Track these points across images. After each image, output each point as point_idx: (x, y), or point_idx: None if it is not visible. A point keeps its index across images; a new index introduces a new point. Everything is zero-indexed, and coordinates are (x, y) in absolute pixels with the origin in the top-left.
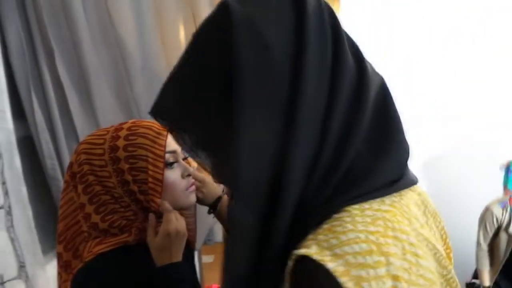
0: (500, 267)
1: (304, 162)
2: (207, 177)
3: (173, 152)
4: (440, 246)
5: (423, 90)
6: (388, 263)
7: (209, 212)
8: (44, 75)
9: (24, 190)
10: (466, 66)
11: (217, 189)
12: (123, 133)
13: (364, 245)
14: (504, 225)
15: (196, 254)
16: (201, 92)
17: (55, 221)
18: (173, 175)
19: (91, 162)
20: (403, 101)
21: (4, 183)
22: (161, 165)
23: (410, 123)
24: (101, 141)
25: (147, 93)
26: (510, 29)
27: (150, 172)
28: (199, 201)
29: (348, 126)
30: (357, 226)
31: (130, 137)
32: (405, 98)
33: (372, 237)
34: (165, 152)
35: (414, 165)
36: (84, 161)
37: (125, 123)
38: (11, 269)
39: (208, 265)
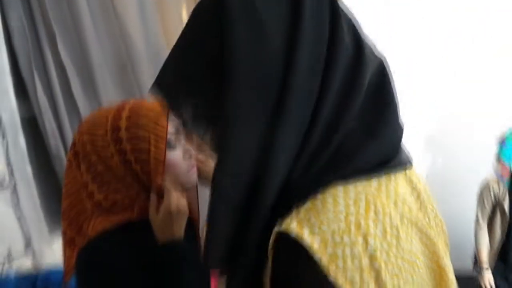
0: (499, 247)
1: (292, 142)
2: (209, 158)
3: (175, 133)
4: (432, 232)
5: (423, 90)
6: (366, 243)
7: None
8: (46, 57)
9: (28, 169)
10: (466, 66)
11: None
12: (125, 113)
13: (342, 225)
14: (500, 199)
15: None
16: (195, 65)
17: (60, 200)
18: (174, 156)
19: (94, 142)
20: (403, 101)
21: (9, 162)
22: (163, 146)
23: (410, 122)
24: (103, 121)
25: (150, 78)
26: (510, 29)
27: (152, 153)
28: (201, 181)
29: (341, 106)
30: (338, 207)
31: (132, 118)
32: (405, 98)
33: (351, 218)
34: (167, 134)
35: (414, 147)
36: (86, 141)
37: (127, 103)
38: (19, 246)
39: None
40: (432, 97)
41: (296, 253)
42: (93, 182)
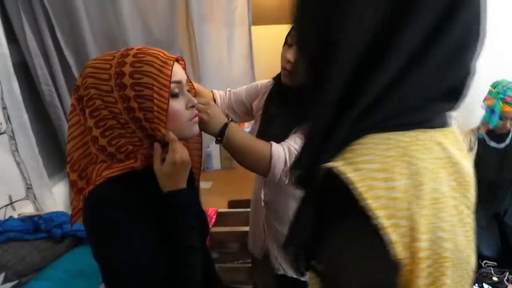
0: None
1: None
2: (211, 102)
3: (178, 82)
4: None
5: None
6: (395, 180)
7: (216, 142)
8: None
9: (25, 116)
10: None
11: (222, 115)
12: (129, 59)
13: (377, 165)
14: (469, 148)
15: None
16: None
17: (57, 147)
18: (177, 105)
19: (98, 87)
20: None
21: (5, 108)
22: (166, 94)
23: None
24: (107, 66)
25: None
26: None
27: (155, 101)
28: (204, 129)
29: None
30: (376, 151)
31: (136, 64)
32: None
33: (386, 160)
34: (170, 82)
35: None
36: (90, 85)
37: (131, 49)
38: (19, 191)
39: (207, 191)
40: None
41: (339, 183)
42: (97, 127)
